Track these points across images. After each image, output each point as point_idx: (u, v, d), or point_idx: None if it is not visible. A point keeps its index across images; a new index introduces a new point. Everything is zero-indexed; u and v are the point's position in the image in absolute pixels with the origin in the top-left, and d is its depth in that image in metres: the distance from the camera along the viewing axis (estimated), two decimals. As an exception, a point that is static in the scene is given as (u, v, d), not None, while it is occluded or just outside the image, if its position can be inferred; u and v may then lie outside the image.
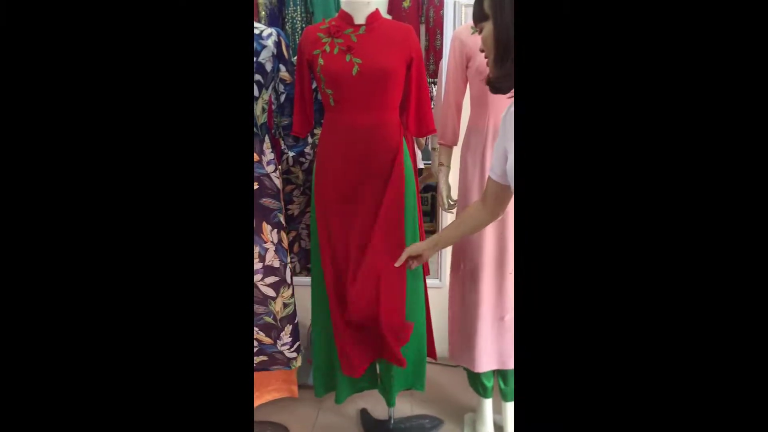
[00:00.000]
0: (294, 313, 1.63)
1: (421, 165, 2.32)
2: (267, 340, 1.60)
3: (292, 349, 1.64)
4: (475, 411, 1.75)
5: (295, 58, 1.58)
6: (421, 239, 1.57)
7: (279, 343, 1.60)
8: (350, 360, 1.52)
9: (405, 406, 1.86)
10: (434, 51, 3.11)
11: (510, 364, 1.58)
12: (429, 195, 3.09)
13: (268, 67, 1.53)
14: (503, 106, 1.46)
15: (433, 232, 2.76)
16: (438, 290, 2.09)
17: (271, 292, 1.57)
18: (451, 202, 1.66)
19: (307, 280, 1.74)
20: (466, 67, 1.53)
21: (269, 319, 1.59)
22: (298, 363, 1.69)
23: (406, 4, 3.14)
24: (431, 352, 1.68)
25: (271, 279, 1.56)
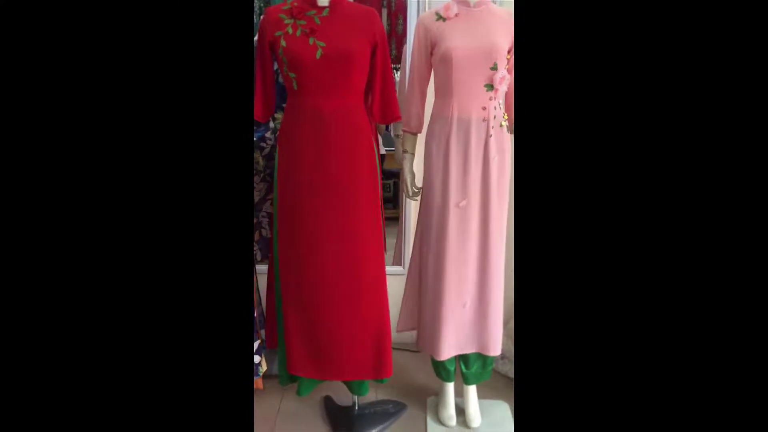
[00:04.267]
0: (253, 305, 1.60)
1: (382, 151, 2.31)
2: None
3: (254, 351, 1.62)
4: (438, 394, 1.78)
5: (256, 39, 1.52)
6: (382, 226, 1.57)
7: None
8: (294, 362, 1.54)
9: (369, 391, 1.88)
10: (396, 36, 3.08)
11: (469, 348, 1.62)
12: (391, 182, 3.09)
13: (227, 48, 1.47)
14: (468, 94, 1.47)
15: (396, 218, 2.76)
16: (401, 277, 2.10)
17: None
18: (416, 190, 1.66)
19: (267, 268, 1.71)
20: (431, 54, 1.53)
21: None
22: (264, 368, 1.67)
23: (368, -13, 3.08)
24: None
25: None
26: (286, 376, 1.64)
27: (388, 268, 1.70)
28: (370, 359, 1.56)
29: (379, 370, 1.57)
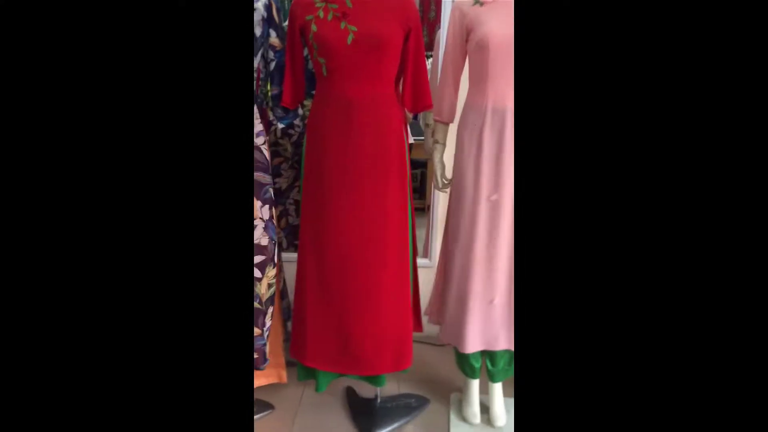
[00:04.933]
0: (273, 296, 1.59)
1: (410, 140, 2.26)
2: (255, 330, 1.55)
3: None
4: (462, 391, 1.75)
5: (286, 23, 1.49)
6: (411, 217, 1.54)
7: (264, 329, 1.56)
8: (310, 354, 1.52)
9: (392, 385, 1.85)
10: (428, 22, 3.01)
11: (497, 345, 1.57)
12: (419, 171, 3.04)
13: (257, 32, 1.44)
14: (503, 83, 1.41)
15: (422, 209, 2.72)
16: (429, 269, 2.06)
17: (257, 273, 1.52)
18: (446, 181, 1.62)
19: (295, 255, 1.69)
20: (466, 40, 1.47)
21: (255, 304, 1.54)
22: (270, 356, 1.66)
23: (399, -28, 3.02)
24: (417, 325, 1.66)
25: (258, 258, 1.51)
26: (303, 371, 1.63)
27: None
28: (390, 353, 1.53)
29: (398, 362, 1.54)
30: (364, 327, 1.50)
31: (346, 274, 1.48)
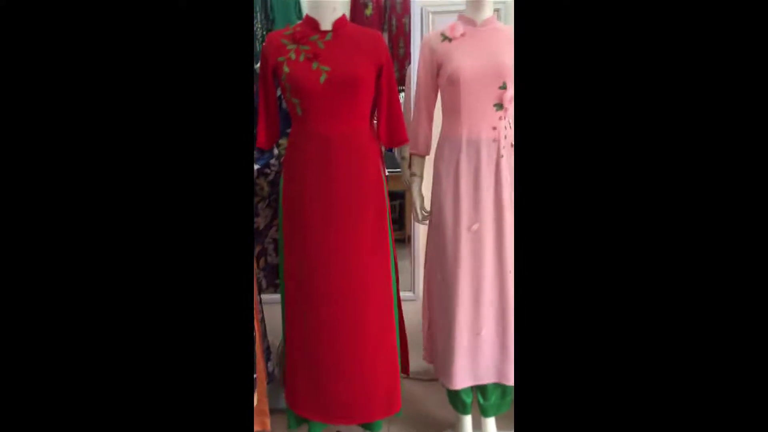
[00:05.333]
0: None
1: (386, 173, 2.27)
2: None
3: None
4: (454, 428, 1.70)
5: (257, 66, 1.50)
6: (393, 251, 1.52)
7: None
8: (299, 401, 1.46)
9: (382, 427, 1.79)
10: (398, 59, 3.08)
11: (487, 378, 1.54)
12: (397, 203, 3.05)
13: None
14: (476, 115, 1.43)
15: (402, 240, 2.71)
16: (412, 302, 2.04)
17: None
18: (425, 213, 1.61)
19: (276, 297, 1.65)
20: (437, 75, 1.49)
21: None
22: (255, 402, 1.60)
23: (368, 12, 3.10)
24: (405, 367, 1.62)
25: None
26: (294, 419, 1.56)
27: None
28: (380, 397, 1.48)
29: (389, 407, 1.49)
30: (352, 369, 1.45)
31: (331, 314, 1.44)
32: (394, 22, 3.09)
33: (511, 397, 1.63)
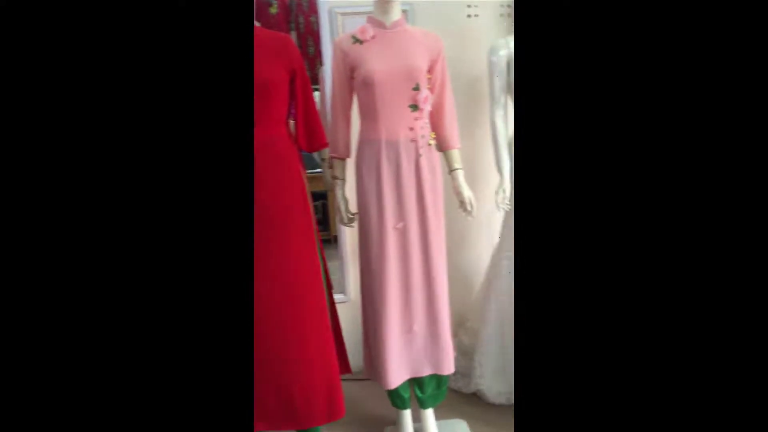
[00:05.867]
0: None
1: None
2: None
3: None
4: (395, 423, 1.73)
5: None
6: (321, 254, 1.51)
7: None
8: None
9: (321, 428, 1.78)
10: (308, 58, 3.03)
11: (423, 372, 1.58)
12: (319, 203, 3.01)
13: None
14: (394, 115, 1.45)
15: (329, 240, 2.69)
16: (344, 304, 2.03)
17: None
18: (351, 216, 1.61)
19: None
20: (351, 77, 1.49)
21: None
22: None
23: (273, 10, 3.02)
24: (345, 367, 1.62)
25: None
26: None
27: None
28: (322, 401, 1.47)
29: (331, 413, 1.48)
30: (292, 374, 1.42)
31: (269, 321, 1.41)
32: (301, 20, 3.03)
33: (446, 386, 1.69)
